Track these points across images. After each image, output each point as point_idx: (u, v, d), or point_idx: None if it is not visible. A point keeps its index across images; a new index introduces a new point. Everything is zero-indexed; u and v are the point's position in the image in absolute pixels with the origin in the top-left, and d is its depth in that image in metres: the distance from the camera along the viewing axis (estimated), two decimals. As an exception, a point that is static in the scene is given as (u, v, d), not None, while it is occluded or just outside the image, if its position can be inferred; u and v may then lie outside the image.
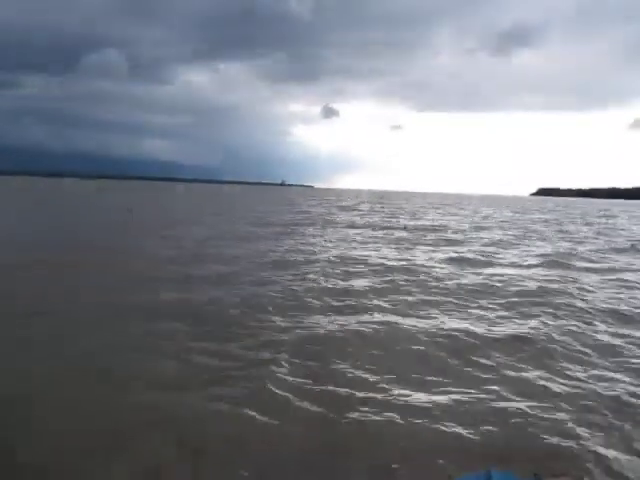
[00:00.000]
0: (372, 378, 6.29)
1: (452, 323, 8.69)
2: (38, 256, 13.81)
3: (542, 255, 17.67)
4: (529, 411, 5.51)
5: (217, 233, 21.96)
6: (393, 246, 19.60)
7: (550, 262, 16.05)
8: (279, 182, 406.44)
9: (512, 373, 6.63)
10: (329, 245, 19.09)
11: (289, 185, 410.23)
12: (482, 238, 23.62)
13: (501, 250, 19.31)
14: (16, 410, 5.29)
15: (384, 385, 6.06)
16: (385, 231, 26.21)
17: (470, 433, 5.06)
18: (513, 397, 5.89)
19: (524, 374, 6.60)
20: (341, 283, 11.75)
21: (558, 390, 6.11)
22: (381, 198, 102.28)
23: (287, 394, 5.75)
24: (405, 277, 12.88)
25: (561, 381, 6.37)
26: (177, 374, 6.26)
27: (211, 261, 14.22)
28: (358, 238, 22.21)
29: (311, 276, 12.28)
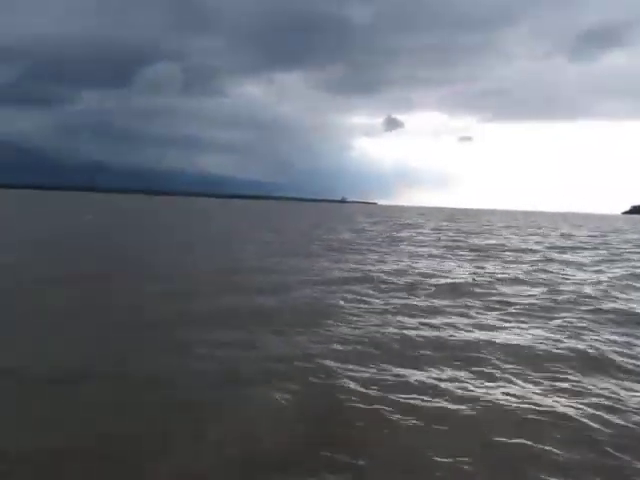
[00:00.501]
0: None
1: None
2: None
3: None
4: None
5: (280, 250, 21.73)
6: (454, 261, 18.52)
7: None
8: (339, 199, 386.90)
9: None
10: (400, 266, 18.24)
11: (350, 202, 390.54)
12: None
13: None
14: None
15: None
16: (453, 250, 25.17)
17: None
18: None
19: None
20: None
21: None
22: (451, 217, 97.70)
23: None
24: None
25: None
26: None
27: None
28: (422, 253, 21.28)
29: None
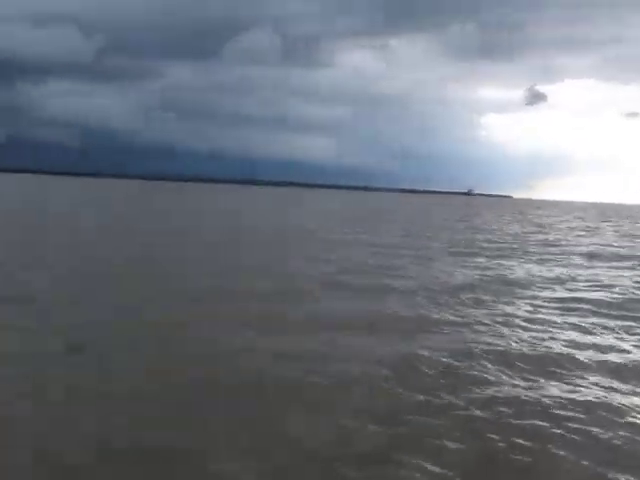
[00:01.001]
0: None
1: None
2: None
3: None
4: None
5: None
6: None
7: None
8: (465, 191, 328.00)
9: None
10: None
11: (478, 195, 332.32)
12: None
13: None
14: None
15: None
16: None
17: None
18: None
19: None
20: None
21: None
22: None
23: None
24: None
25: None
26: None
27: None
28: None
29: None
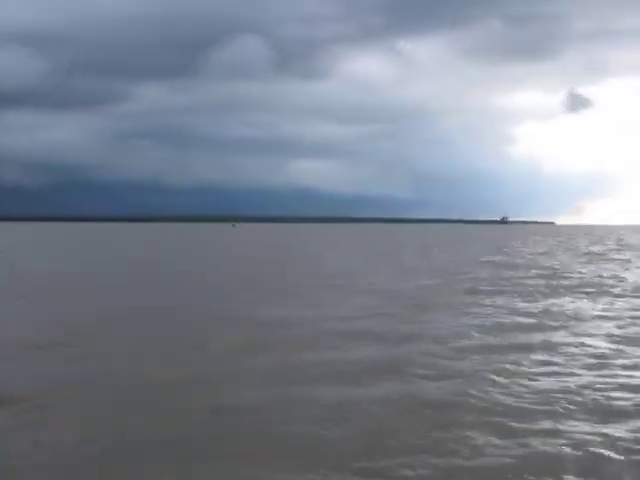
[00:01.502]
0: None
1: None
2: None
3: None
4: None
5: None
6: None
7: None
8: (498, 219, 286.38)
9: None
10: None
11: (513, 222, 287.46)
12: None
13: None
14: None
15: None
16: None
17: None
18: None
19: None
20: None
21: None
22: None
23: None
24: None
25: None
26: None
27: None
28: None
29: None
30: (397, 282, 21.43)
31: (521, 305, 15.62)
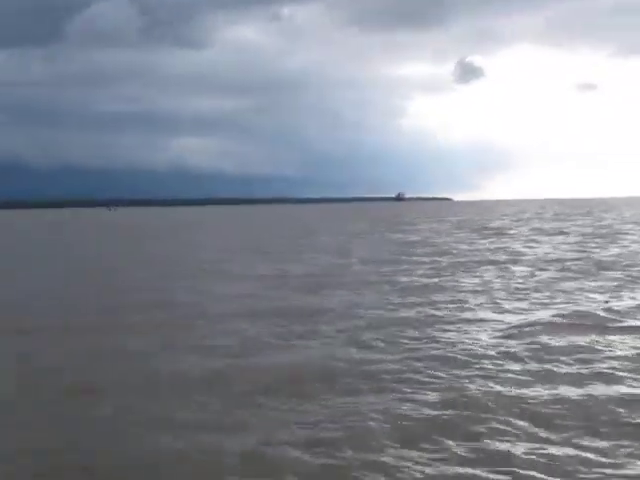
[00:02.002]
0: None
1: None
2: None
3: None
4: None
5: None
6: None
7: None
8: (393, 196, 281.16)
9: None
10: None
11: (409, 199, 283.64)
12: None
13: None
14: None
15: None
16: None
17: None
18: None
19: None
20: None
21: None
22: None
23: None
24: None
25: None
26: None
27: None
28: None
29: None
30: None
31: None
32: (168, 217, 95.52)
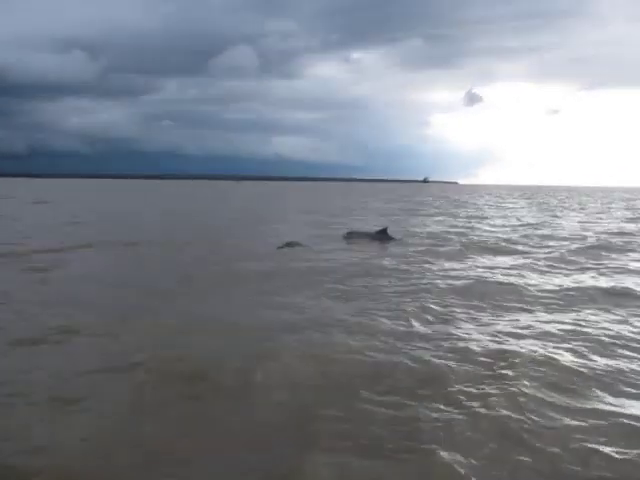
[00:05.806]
0: None
1: None
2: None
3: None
4: None
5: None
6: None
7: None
8: (421, 179, 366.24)
9: None
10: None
11: (432, 182, 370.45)
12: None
13: None
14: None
15: None
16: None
17: None
18: None
19: None
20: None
21: None
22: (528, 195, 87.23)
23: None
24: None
25: None
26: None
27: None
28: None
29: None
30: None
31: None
32: (276, 188, 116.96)
